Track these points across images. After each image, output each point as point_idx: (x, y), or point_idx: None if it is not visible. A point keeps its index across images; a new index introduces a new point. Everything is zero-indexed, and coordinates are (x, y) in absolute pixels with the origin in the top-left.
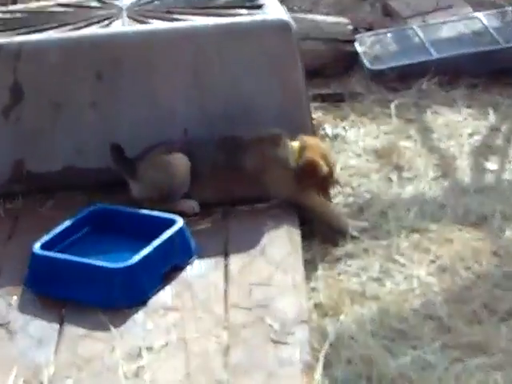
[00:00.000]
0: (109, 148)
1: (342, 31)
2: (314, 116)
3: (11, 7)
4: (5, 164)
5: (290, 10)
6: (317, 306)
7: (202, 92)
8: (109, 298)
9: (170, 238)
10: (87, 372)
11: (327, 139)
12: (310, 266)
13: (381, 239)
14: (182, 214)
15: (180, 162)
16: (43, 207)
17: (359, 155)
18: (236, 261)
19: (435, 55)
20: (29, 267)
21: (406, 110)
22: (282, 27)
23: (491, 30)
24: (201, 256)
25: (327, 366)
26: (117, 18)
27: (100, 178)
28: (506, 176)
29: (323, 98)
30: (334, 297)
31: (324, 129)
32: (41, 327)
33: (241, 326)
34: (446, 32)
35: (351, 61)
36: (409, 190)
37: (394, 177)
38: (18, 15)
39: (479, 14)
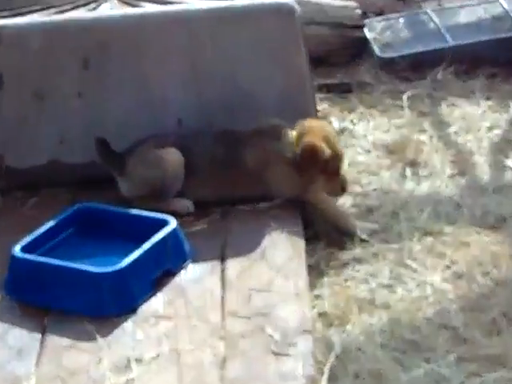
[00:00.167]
0: (94, 142)
1: (350, 15)
2: (318, 108)
3: None
4: None
5: None
6: (321, 314)
7: (197, 80)
8: (95, 306)
9: (162, 240)
10: None
11: None
12: (314, 271)
13: (391, 242)
14: (175, 213)
15: (173, 156)
16: (24, 206)
17: (368, 151)
18: (234, 265)
19: (451, 42)
20: (8, 271)
21: (419, 101)
22: (284, 10)
23: None
24: (196, 260)
25: (332, 380)
26: (105, 1)
27: (86, 173)
28: None
29: (329, 89)
30: (340, 305)
31: (330, 122)
32: (21, 337)
33: (239, 336)
34: (464, 17)
35: (359, 48)
36: (422, 189)
37: (407, 174)
38: None
39: None
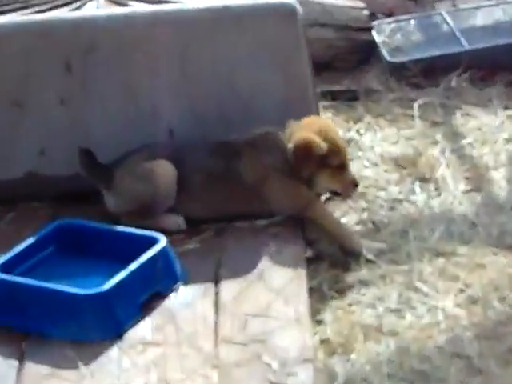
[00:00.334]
0: (77, 153)
1: (357, 17)
2: (322, 117)
3: None
4: None
5: None
6: (323, 342)
7: (190, 87)
8: (78, 331)
9: (151, 259)
10: None
11: None
12: (316, 294)
13: (400, 263)
14: (165, 231)
15: (165, 169)
16: (1, 221)
17: (376, 164)
18: (229, 287)
19: (467, 46)
20: None
21: (431, 110)
22: (285, 11)
23: None
24: (187, 282)
25: None
26: None
27: (69, 187)
28: None
29: (333, 96)
30: (344, 332)
31: None
32: None
33: (233, 364)
34: (481, 18)
35: (367, 52)
36: (434, 206)
37: (417, 190)
38: None
39: None
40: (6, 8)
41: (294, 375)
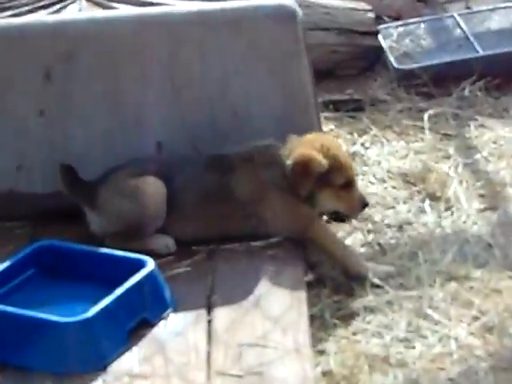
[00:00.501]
0: (58, 169)
1: (361, 20)
2: (324, 130)
3: None
4: None
5: None
6: (326, 374)
7: (179, 96)
8: (59, 361)
9: (138, 284)
10: None
11: None
12: (317, 322)
13: (409, 289)
14: (153, 253)
15: (153, 187)
16: None
17: (383, 180)
18: (222, 315)
19: (481, 52)
20: None
21: (443, 122)
22: (283, 14)
23: None
24: (177, 308)
25: None
26: (72, 2)
27: (49, 205)
28: None
29: (336, 107)
30: (348, 363)
31: None
32: None
33: None
34: (496, 22)
35: (372, 58)
36: (446, 226)
37: (427, 208)
38: None
39: None
40: None
41: None
